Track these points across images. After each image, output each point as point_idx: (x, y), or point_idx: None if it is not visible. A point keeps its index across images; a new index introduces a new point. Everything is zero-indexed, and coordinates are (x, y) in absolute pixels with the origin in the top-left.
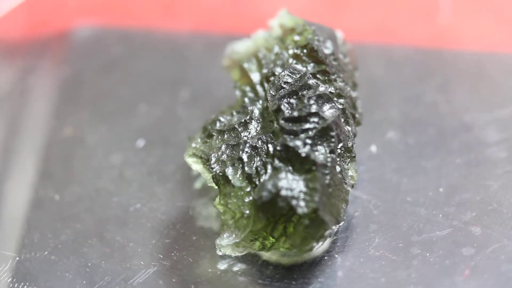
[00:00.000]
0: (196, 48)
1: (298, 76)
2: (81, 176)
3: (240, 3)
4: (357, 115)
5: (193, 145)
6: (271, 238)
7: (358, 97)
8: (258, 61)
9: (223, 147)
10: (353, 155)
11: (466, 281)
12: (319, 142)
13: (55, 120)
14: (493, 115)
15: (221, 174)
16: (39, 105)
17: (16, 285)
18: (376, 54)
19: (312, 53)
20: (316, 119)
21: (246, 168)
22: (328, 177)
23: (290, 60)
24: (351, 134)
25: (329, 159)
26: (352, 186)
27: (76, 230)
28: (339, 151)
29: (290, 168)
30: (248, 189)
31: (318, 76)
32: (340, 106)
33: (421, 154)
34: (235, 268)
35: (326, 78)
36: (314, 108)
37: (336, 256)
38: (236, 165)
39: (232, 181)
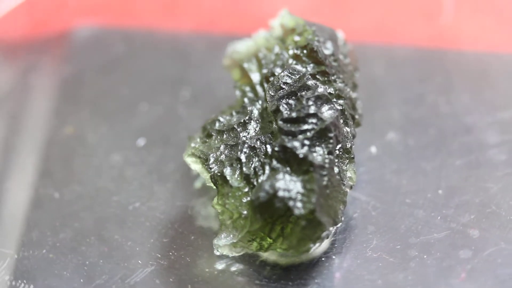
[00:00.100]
0: (197, 48)
1: (297, 76)
2: (81, 175)
3: (242, 3)
4: (356, 116)
5: (192, 144)
6: (269, 239)
7: (358, 98)
8: (258, 61)
9: (222, 147)
10: (352, 156)
11: (462, 284)
12: (317, 143)
13: (56, 119)
14: (495, 117)
15: (219, 174)
16: (39, 105)
17: (14, 283)
18: (377, 54)
19: (312, 54)
20: (314, 120)
21: (244, 169)
22: (325, 178)
23: (290, 61)
24: (350, 135)
25: (327, 160)
26: (351, 187)
27: (75, 229)
28: (337, 152)
29: (288, 169)
30: (246, 190)
31: (317, 76)
32: (339, 107)
33: (421, 155)
34: (233, 268)
35: (326, 79)
36: (312, 109)
37: (334, 257)
38: (234, 165)
39: (230, 182)
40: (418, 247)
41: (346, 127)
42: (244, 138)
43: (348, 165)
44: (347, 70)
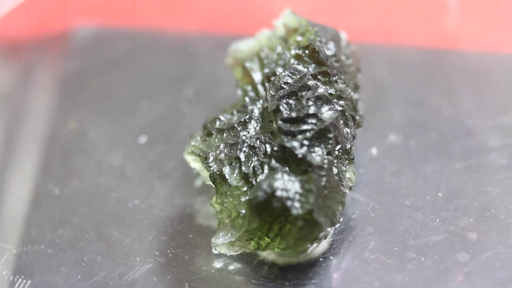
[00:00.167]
0: (202, 47)
1: (298, 76)
2: (82, 171)
3: (246, 2)
4: (357, 117)
5: (193, 143)
6: (266, 238)
7: (359, 99)
8: (260, 61)
9: (222, 146)
10: (352, 157)
11: (459, 287)
12: (316, 144)
13: (57, 117)
14: (496, 121)
15: (218, 172)
16: (39, 104)
17: (11, 278)
18: (381, 55)
19: (313, 54)
20: (314, 121)
21: (243, 168)
22: (324, 178)
23: (292, 61)
24: (350, 136)
25: (325, 161)
26: (350, 188)
27: (74, 225)
28: (336, 153)
29: (287, 168)
30: (245, 189)
31: (318, 77)
32: (340, 108)
33: (422, 158)
34: (230, 267)
35: (327, 79)
36: (312, 110)
37: (331, 258)
38: (233, 164)
39: (229, 180)
40: (416, 249)
41: (346, 128)
42: (244, 137)
43: (347, 166)
44: (348, 71)
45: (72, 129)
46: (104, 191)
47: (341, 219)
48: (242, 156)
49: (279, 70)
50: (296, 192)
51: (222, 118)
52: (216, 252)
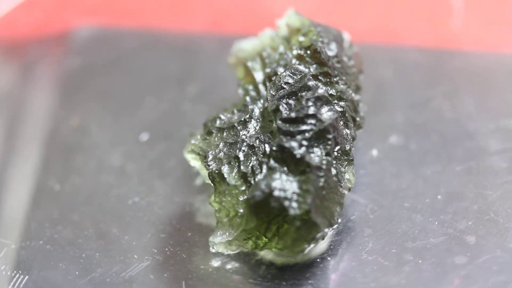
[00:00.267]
0: (204, 46)
1: (299, 77)
2: (83, 168)
3: (250, 2)
4: (358, 119)
5: (193, 141)
6: (264, 238)
7: (361, 101)
8: (262, 60)
9: (221, 144)
10: (351, 158)
11: None
12: (315, 144)
13: (58, 116)
14: (498, 124)
15: (217, 171)
16: (41, 102)
17: (8, 273)
18: (385, 56)
19: (315, 55)
20: (313, 121)
21: (242, 167)
22: (322, 179)
23: (294, 61)
24: (350, 137)
25: (324, 162)
26: (349, 190)
27: (74, 221)
28: (335, 154)
29: (285, 169)
30: (243, 188)
31: (320, 77)
32: (340, 109)
33: (422, 160)
34: (228, 266)
35: (328, 80)
36: (312, 110)
37: (329, 258)
38: (232, 163)
39: (228, 179)
40: (414, 252)
41: (346, 129)
42: (243, 137)
43: (346, 167)
44: (350, 72)
45: (75, 125)
46: (104, 188)
47: (340, 220)
48: (241, 156)
49: (281, 70)
50: (294, 192)
51: (222, 117)
52: (213, 251)
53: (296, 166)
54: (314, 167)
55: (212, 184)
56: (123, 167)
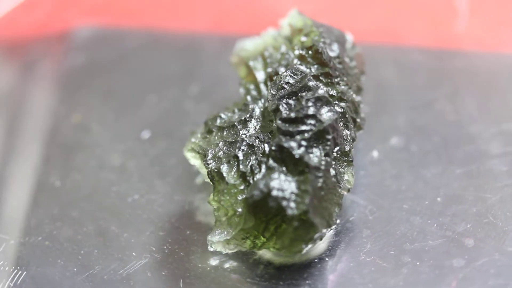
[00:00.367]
0: (207, 46)
1: (299, 77)
2: (84, 165)
3: (253, 1)
4: (358, 120)
5: (193, 140)
6: (262, 238)
7: (362, 102)
8: (263, 60)
9: (221, 143)
10: (350, 159)
11: None
12: (314, 145)
13: (59, 113)
14: (500, 128)
15: (216, 170)
16: (42, 101)
17: (7, 269)
18: (386, 56)
19: (316, 55)
20: (313, 122)
21: (241, 166)
22: (321, 180)
23: (295, 61)
24: (350, 138)
25: (323, 162)
26: (348, 190)
27: (73, 218)
28: (335, 154)
29: (284, 168)
30: (242, 187)
31: (321, 78)
32: (340, 110)
33: (423, 162)
34: (226, 265)
35: (329, 80)
36: (311, 110)
37: (327, 259)
38: (231, 162)
39: (226, 178)
40: (412, 254)
41: (346, 130)
42: (243, 136)
43: (346, 168)
44: (352, 73)
45: (76, 122)
46: (105, 185)
47: (338, 221)
48: (240, 155)
49: (282, 69)
50: (292, 193)
51: (223, 116)
52: (212, 249)
53: (295, 166)
54: (312, 167)
55: (211, 183)
56: (124, 164)
